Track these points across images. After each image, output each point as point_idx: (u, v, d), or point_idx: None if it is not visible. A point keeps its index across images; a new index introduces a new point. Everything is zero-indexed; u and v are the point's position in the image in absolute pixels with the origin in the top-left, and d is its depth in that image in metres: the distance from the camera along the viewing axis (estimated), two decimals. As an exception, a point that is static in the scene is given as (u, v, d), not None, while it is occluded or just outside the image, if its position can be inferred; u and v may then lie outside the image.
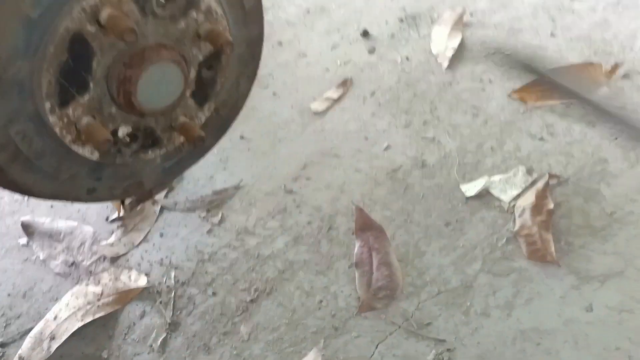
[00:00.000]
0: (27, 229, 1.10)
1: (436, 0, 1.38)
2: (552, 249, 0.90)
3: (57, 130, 0.50)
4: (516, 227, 0.94)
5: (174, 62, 0.55)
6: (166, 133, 0.62)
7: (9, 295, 1.03)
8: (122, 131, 0.57)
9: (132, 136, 0.60)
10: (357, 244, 0.97)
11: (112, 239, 1.07)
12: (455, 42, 1.26)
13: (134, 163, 0.62)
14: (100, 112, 0.53)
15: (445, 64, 1.23)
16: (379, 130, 1.16)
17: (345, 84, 1.26)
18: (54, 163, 0.53)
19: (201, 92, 0.65)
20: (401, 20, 1.35)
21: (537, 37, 1.26)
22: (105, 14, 0.46)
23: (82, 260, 1.06)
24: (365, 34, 1.34)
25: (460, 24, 1.30)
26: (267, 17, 1.45)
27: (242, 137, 1.20)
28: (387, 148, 1.13)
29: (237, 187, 1.11)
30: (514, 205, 0.98)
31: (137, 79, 0.51)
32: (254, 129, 1.21)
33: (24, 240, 1.10)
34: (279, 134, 1.20)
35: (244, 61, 0.72)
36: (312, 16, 1.43)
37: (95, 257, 1.06)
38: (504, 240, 0.94)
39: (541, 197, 0.97)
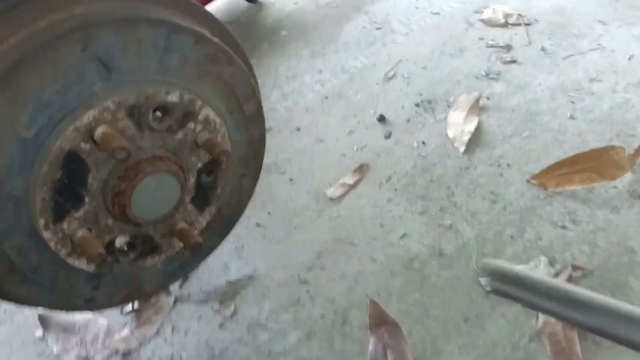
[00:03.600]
0: (44, 321, 1.11)
1: (452, 85, 1.39)
2: (578, 348, 0.85)
3: (51, 244, 0.50)
4: (539, 324, 0.89)
5: (169, 172, 0.55)
6: (165, 239, 0.61)
7: (20, 391, 1.02)
8: (120, 241, 0.57)
9: (130, 244, 0.59)
10: (372, 341, 0.93)
11: (125, 332, 1.06)
12: (471, 126, 1.26)
13: (133, 270, 0.62)
14: (97, 224, 0.53)
15: (462, 148, 1.22)
16: (395, 217, 1.14)
17: (362, 169, 1.26)
18: (51, 275, 0.54)
19: (201, 197, 0.65)
20: (417, 105, 1.36)
21: (556, 119, 1.24)
22: (99, 131, 0.47)
23: (94, 355, 1.04)
24: (381, 119, 1.35)
25: (476, 107, 1.30)
26: (287, 103, 1.48)
27: (258, 225, 1.20)
28: (403, 236, 1.10)
29: (250, 278, 1.10)
30: (536, 300, 0.93)
31: (132, 191, 0.51)
32: (269, 215, 1.21)
33: (39, 332, 1.10)
34: (294, 220, 1.20)
35: (246, 162, 0.73)
36: (330, 102, 1.45)
37: (107, 352, 1.04)
38: (527, 338, 0.89)
39: (565, 291, 0.92)
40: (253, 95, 0.64)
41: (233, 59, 0.58)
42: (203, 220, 0.68)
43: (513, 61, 1.40)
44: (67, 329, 1.10)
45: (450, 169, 1.20)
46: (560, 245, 1.02)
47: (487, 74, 1.38)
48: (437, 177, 1.19)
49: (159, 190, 0.54)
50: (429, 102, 1.36)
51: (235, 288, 1.09)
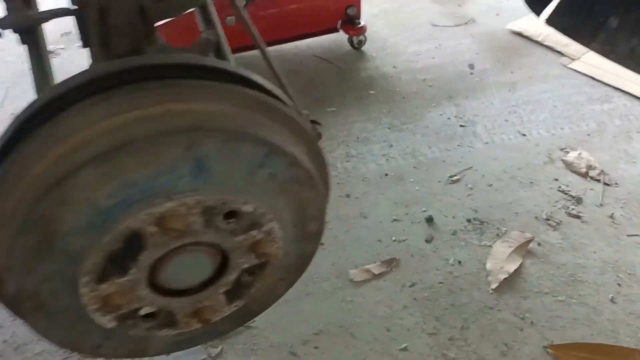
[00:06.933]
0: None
1: (510, 215, 1.36)
2: None
3: (84, 299, 0.51)
4: None
5: (208, 254, 0.58)
6: (186, 318, 0.63)
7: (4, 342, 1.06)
8: (145, 310, 0.59)
9: (152, 314, 0.61)
10: None
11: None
12: (512, 266, 1.23)
13: (146, 335, 0.64)
14: (131, 292, 0.55)
15: (494, 285, 1.20)
16: (404, 326, 1.13)
17: (391, 263, 1.25)
18: (72, 320, 0.56)
19: (235, 292, 0.66)
20: (468, 221, 1.35)
21: (597, 296, 1.20)
22: (170, 222, 0.49)
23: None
24: (429, 220, 1.34)
25: (523, 249, 1.28)
26: (347, 164, 1.49)
27: (274, 276, 1.20)
28: (403, 349, 1.09)
29: (247, 325, 1.11)
30: None
31: (168, 260, 0.54)
32: (288, 271, 1.22)
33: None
34: (309, 287, 1.20)
35: (289, 270, 0.74)
36: (388, 181, 1.45)
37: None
38: None
39: None
40: (320, 217, 0.65)
41: (316, 185, 0.60)
42: (228, 310, 0.69)
43: (578, 217, 1.37)
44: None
45: (475, 302, 1.18)
46: None
47: (547, 219, 1.35)
48: (459, 304, 1.18)
49: (192, 266, 0.56)
50: (481, 222, 1.35)
51: (229, 331, 1.10)
